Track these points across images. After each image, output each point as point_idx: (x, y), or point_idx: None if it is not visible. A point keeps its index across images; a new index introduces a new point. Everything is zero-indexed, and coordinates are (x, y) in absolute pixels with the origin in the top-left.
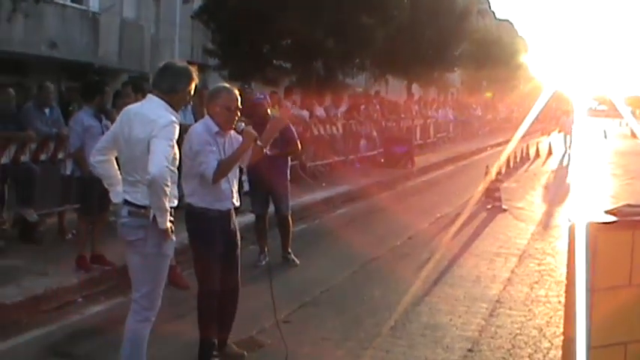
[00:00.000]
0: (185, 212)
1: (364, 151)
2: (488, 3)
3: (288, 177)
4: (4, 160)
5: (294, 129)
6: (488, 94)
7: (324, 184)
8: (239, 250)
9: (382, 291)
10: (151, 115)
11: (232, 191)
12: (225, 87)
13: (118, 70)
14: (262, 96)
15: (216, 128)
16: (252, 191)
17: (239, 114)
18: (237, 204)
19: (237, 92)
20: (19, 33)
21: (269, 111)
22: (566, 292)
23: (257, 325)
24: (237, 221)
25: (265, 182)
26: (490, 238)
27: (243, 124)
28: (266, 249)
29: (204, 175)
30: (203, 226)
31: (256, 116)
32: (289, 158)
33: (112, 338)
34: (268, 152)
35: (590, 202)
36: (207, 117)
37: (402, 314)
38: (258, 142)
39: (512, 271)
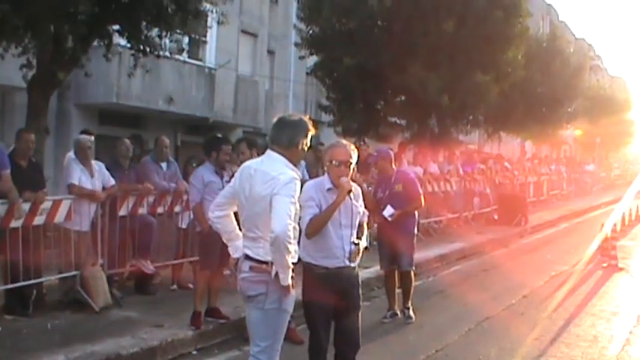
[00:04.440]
0: None
1: (478, 208)
2: (601, 60)
3: (415, 233)
4: (123, 212)
5: (418, 183)
6: (577, 131)
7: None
8: (359, 311)
9: (497, 350)
10: (272, 172)
11: (345, 250)
12: (337, 142)
13: (232, 125)
14: (386, 149)
15: (329, 185)
16: (379, 248)
17: (351, 169)
18: (353, 264)
19: (349, 147)
20: (137, 88)
21: (392, 165)
22: None
23: None
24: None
25: (390, 238)
26: (607, 297)
27: (345, 179)
28: (395, 306)
29: (302, 230)
30: (309, 281)
31: (379, 169)
32: (416, 214)
33: None
34: (389, 218)
35: None
36: (326, 173)
37: None
38: (351, 195)
39: (631, 332)
